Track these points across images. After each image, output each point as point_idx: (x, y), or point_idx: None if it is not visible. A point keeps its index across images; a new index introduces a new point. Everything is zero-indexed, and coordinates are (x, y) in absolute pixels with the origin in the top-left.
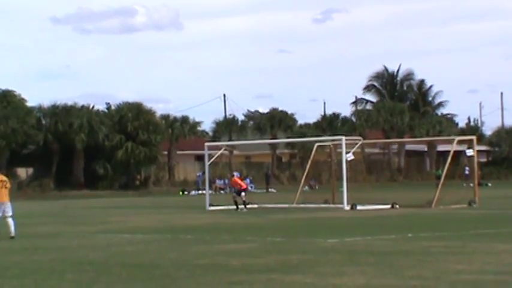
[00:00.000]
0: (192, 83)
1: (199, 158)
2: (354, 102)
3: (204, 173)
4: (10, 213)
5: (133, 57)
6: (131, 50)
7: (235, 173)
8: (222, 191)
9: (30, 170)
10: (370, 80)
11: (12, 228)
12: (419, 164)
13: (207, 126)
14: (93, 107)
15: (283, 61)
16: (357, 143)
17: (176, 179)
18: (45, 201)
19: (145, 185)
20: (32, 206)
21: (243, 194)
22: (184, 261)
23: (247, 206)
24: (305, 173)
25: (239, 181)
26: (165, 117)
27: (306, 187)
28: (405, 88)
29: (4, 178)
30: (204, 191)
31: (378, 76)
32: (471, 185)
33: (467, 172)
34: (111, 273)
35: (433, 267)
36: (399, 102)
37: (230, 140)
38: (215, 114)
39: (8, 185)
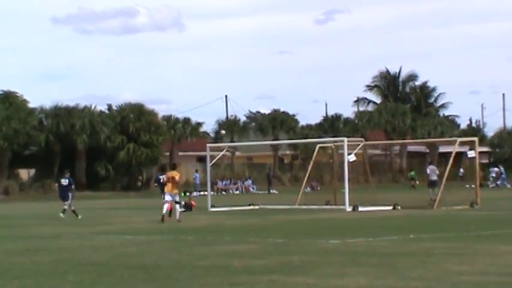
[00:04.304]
0: (194, 84)
1: (201, 159)
2: (356, 101)
3: (196, 170)
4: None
5: (135, 58)
6: (133, 50)
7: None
8: (223, 192)
9: (32, 171)
10: (373, 81)
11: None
12: (421, 165)
13: (209, 127)
14: (95, 107)
15: (285, 62)
16: (358, 144)
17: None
18: (47, 202)
19: (147, 186)
20: (34, 207)
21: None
22: (185, 262)
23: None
24: (307, 174)
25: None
26: (167, 118)
27: (308, 188)
28: (408, 90)
29: (174, 174)
30: (205, 192)
31: (381, 77)
32: (473, 186)
33: (460, 174)
34: (112, 274)
35: (435, 268)
36: (402, 103)
37: (232, 141)
38: (217, 115)
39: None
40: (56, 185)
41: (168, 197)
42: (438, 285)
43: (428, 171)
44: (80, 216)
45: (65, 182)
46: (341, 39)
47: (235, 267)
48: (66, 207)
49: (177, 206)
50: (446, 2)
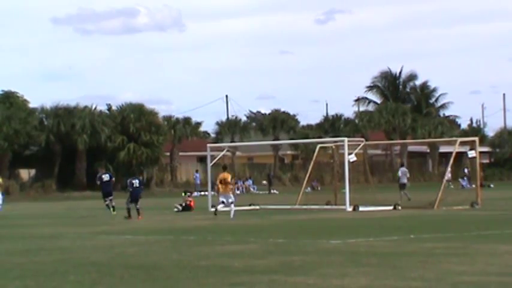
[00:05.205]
0: (194, 84)
1: (202, 159)
2: (356, 101)
3: (197, 171)
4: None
5: (135, 58)
6: (133, 50)
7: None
8: None
9: (33, 172)
10: (373, 81)
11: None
12: (422, 165)
13: (209, 127)
14: (95, 108)
15: (286, 62)
16: (359, 145)
17: (179, 180)
18: (48, 202)
19: (148, 186)
20: (34, 207)
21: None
22: (186, 262)
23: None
24: (307, 174)
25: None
26: (168, 119)
27: (308, 188)
28: (408, 90)
29: (225, 176)
30: (206, 192)
31: (382, 77)
32: (473, 186)
33: (468, 174)
34: (113, 274)
35: (435, 268)
36: (402, 103)
37: (233, 141)
38: (218, 116)
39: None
40: (98, 183)
41: (222, 198)
42: (438, 285)
43: (400, 173)
44: (114, 213)
45: (107, 177)
46: (341, 39)
47: (236, 267)
48: (113, 203)
49: (232, 205)
50: (446, 2)
